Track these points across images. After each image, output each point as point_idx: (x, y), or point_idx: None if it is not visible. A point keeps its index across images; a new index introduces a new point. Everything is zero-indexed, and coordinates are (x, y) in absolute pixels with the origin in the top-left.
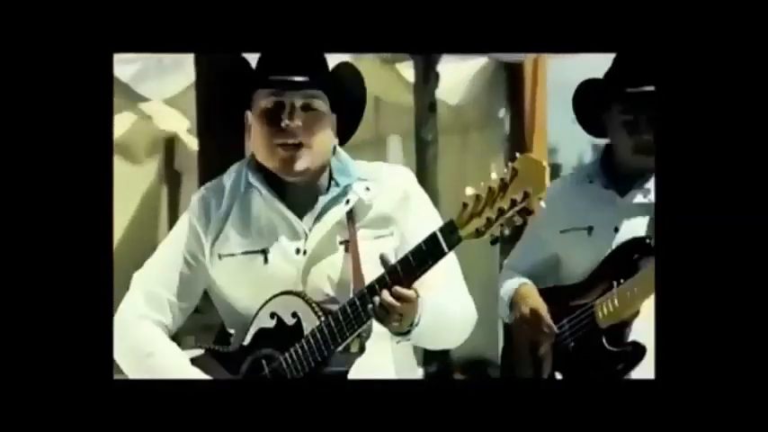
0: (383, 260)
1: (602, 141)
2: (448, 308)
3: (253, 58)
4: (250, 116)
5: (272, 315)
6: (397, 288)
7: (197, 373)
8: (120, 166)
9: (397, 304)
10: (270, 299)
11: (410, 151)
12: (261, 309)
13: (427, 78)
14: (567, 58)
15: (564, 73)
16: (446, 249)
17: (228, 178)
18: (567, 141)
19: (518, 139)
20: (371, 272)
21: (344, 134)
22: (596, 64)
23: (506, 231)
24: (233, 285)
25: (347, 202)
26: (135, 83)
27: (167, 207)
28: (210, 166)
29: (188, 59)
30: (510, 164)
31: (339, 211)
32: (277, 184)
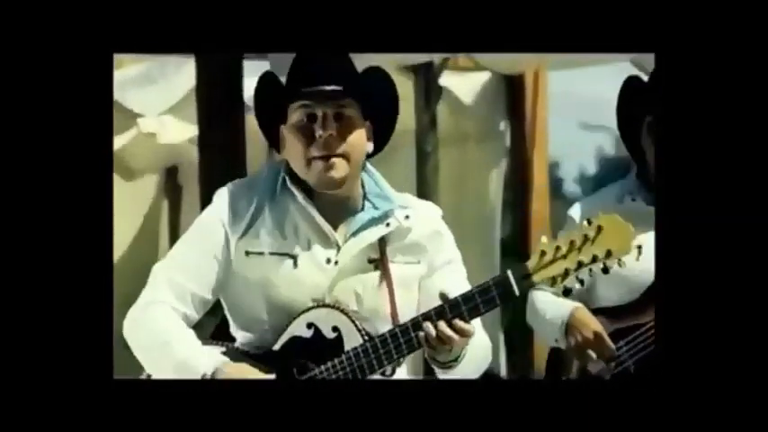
0: (443, 296)
1: (608, 154)
2: (481, 341)
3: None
4: (284, 130)
5: (310, 325)
6: (459, 322)
7: (211, 365)
8: (119, 179)
9: (456, 337)
10: (308, 309)
11: (411, 163)
12: (297, 317)
13: (428, 91)
14: (567, 70)
15: (565, 85)
16: (517, 293)
17: (260, 176)
18: (568, 154)
19: (519, 152)
20: (398, 296)
21: (379, 140)
22: (597, 76)
23: (578, 285)
24: (257, 284)
25: (388, 224)
26: (124, 98)
27: (168, 220)
28: (212, 178)
29: (180, 71)
30: (594, 221)
31: (378, 232)
32: (311, 193)
